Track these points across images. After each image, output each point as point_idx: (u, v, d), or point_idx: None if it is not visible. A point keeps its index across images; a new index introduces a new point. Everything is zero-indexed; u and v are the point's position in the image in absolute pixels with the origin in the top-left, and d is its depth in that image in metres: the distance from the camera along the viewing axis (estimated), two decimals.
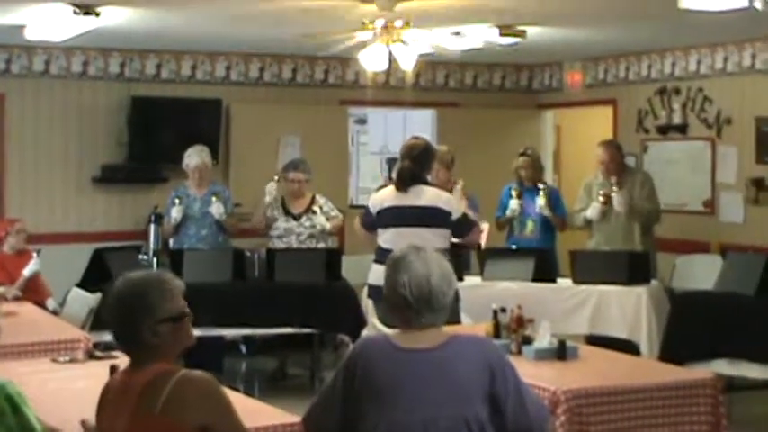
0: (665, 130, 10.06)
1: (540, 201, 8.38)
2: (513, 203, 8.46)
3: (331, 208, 8.63)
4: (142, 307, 3.10)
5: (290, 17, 7.64)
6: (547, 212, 8.41)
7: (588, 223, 8.43)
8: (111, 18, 7.50)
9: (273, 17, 7.73)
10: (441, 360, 3.30)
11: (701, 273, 8.13)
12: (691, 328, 6.86)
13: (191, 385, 3.05)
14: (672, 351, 6.74)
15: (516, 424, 3.33)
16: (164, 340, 3.11)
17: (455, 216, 6.60)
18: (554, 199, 8.54)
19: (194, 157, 8.55)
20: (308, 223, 8.48)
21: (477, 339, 3.57)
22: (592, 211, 8.33)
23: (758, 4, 5.30)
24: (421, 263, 3.35)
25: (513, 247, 8.42)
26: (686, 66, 9.87)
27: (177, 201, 8.43)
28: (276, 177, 8.52)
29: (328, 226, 8.50)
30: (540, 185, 8.52)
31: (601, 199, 8.26)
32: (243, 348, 9.40)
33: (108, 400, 3.20)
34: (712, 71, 9.61)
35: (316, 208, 8.49)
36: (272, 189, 8.44)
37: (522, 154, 8.66)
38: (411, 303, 3.32)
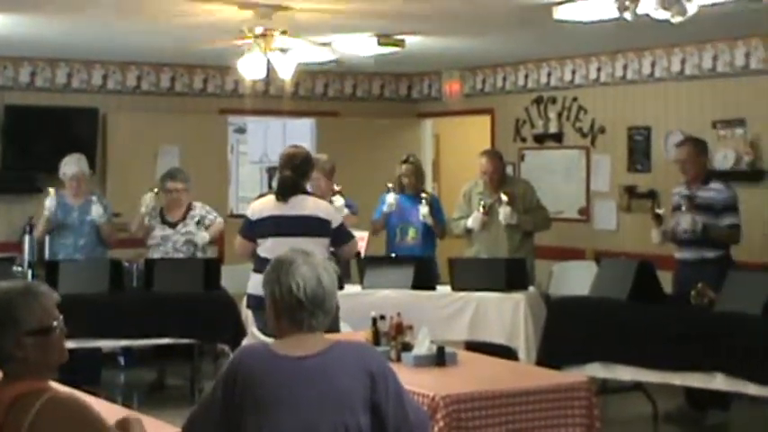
0: (541, 139, 10.24)
1: (423, 209, 8.43)
2: (390, 197, 8.45)
3: (209, 211, 8.52)
4: (6, 317, 2.97)
5: (167, 25, 7.58)
6: (429, 221, 8.47)
7: (468, 232, 8.49)
8: None
9: (151, 25, 7.66)
10: (321, 367, 3.30)
11: (577, 279, 8.29)
12: (566, 332, 6.99)
13: (57, 408, 2.94)
14: (548, 356, 6.85)
15: (397, 430, 3.36)
16: (30, 354, 2.98)
17: (334, 225, 6.62)
18: (435, 207, 8.62)
19: (72, 165, 8.38)
20: (183, 230, 8.38)
21: (359, 346, 3.58)
22: (473, 222, 8.39)
23: (628, 16, 5.45)
24: (309, 267, 3.34)
25: (393, 255, 8.47)
26: (561, 76, 10.07)
27: (52, 198, 8.22)
28: (155, 190, 8.41)
29: (207, 238, 8.41)
30: (423, 194, 8.59)
31: (481, 209, 8.35)
32: (121, 360, 9.26)
33: None
34: (586, 81, 9.82)
35: (195, 217, 8.40)
36: (147, 200, 8.34)
37: (405, 161, 8.71)
38: (305, 305, 3.30)
